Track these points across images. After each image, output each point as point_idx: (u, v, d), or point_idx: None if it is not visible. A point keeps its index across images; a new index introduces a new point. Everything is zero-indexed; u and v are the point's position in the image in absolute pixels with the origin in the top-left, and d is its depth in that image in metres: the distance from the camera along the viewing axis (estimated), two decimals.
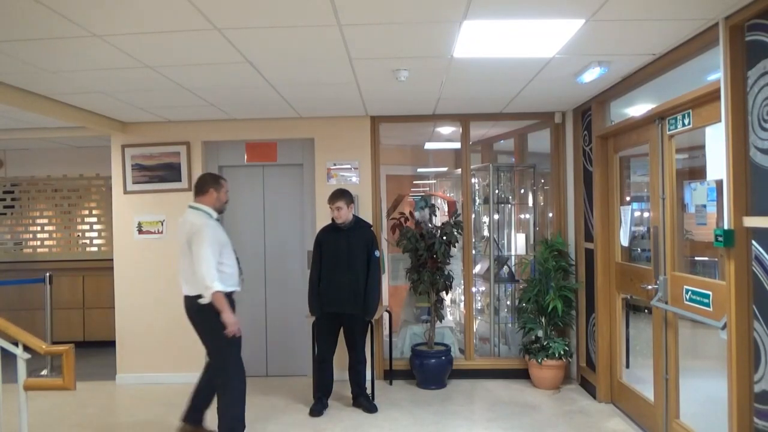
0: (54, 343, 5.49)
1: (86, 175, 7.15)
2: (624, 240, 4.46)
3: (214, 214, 3.94)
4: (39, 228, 7.23)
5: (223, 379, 3.94)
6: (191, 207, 3.94)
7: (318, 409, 4.64)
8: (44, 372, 5.71)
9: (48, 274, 5.97)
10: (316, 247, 4.77)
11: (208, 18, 2.81)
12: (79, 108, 4.81)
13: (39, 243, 7.23)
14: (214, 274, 3.68)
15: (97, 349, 6.43)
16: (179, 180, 5.60)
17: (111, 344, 5.73)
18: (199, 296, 3.73)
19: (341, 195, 4.63)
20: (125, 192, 5.64)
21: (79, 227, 7.21)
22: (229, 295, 3.85)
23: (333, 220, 4.70)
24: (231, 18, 2.84)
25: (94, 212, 7.20)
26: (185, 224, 3.87)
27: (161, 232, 5.61)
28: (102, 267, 6.55)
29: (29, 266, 6.89)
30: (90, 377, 5.61)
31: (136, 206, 5.63)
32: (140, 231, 5.62)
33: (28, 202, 7.24)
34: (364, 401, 4.72)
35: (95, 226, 7.18)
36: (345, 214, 4.63)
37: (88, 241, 7.19)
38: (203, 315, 3.80)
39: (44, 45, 3.16)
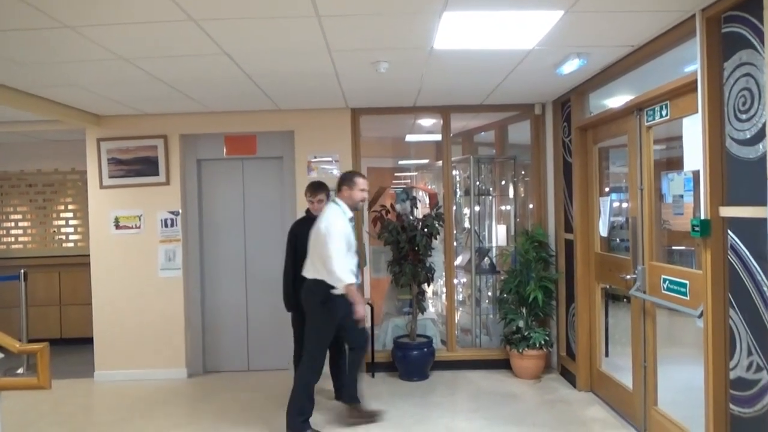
0: (30, 341, 5.39)
1: (61, 169, 7.01)
2: (603, 230, 4.51)
3: (349, 213, 4.08)
4: (13, 224, 7.08)
5: (306, 366, 4.06)
6: (332, 201, 4.15)
7: None
8: (20, 370, 5.62)
9: (23, 271, 5.85)
10: (290, 240, 4.68)
11: (184, 9, 2.76)
12: (52, 101, 4.69)
13: (13, 239, 7.09)
14: (345, 268, 3.88)
15: (74, 347, 6.32)
16: (157, 174, 5.51)
17: (89, 341, 5.64)
18: (316, 281, 3.96)
19: (321, 187, 4.61)
20: (101, 186, 5.53)
21: (55, 223, 7.08)
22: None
23: (307, 212, 4.64)
24: (207, 8, 2.79)
25: (69, 207, 7.07)
26: (322, 215, 4.08)
27: (139, 227, 5.52)
28: (78, 263, 6.43)
29: (3, 263, 6.74)
30: (68, 375, 5.52)
31: (113, 201, 5.53)
32: (117, 226, 5.53)
33: (1, 197, 7.07)
34: (346, 394, 4.70)
35: (71, 222, 7.05)
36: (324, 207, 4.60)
37: (64, 237, 7.07)
38: (314, 297, 4.02)
39: (14, 36, 3.07)
